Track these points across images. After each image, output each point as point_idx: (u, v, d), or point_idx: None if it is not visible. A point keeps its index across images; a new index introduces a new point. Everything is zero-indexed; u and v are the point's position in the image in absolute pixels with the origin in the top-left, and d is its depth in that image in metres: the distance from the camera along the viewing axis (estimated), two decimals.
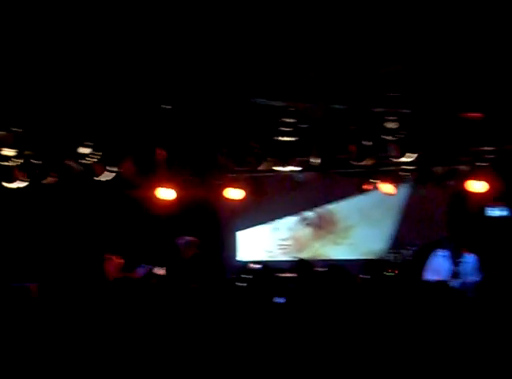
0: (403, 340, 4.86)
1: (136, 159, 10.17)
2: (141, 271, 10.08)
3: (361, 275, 8.15)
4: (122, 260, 10.26)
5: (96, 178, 10.18)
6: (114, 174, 10.15)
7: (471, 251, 9.51)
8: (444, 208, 11.79)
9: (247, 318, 5.54)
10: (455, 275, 9.31)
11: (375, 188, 10.81)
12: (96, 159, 9.75)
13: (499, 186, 10.23)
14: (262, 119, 9.53)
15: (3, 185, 10.08)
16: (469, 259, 9.43)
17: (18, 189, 10.12)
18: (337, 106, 8.71)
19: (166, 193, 11.00)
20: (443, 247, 9.64)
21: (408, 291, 7.00)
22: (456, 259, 9.37)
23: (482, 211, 11.21)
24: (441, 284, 6.25)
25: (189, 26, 6.57)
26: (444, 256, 9.51)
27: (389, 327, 5.13)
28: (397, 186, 10.47)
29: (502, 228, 10.94)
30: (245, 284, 7.25)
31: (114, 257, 10.24)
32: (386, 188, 10.36)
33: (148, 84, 8.01)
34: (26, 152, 9.83)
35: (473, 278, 9.26)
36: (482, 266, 9.44)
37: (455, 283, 9.04)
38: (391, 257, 11.86)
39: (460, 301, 5.69)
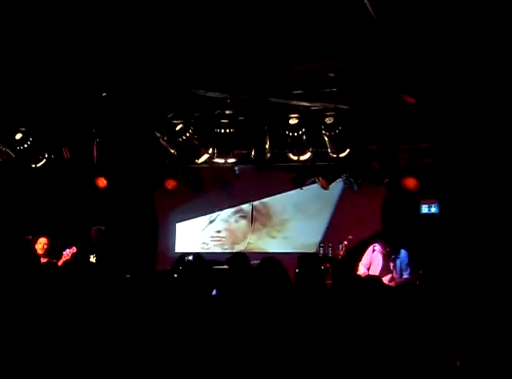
0: (336, 333, 4.89)
1: (70, 146, 10.04)
2: (67, 252, 9.91)
3: (296, 270, 8.20)
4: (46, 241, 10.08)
5: (32, 165, 10.03)
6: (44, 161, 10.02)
7: (403, 247, 9.66)
8: (378, 204, 11.93)
9: (180, 310, 5.50)
10: (387, 270, 9.44)
11: (312, 182, 10.89)
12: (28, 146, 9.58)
13: (432, 183, 10.42)
14: (201, 110, 9.51)
15: None
16: (402, 255, 9.56)
17: None
18: (276, 100, 8.74)
19: (101, 182, 10.88)
20: (378, 242, 9.76)
21: (341, 286, 7.07)
22: (391, 254, 9.48)
23: (416, 207, 11.38)
24: (373, 279, 6.30)
25: (129, 12, 6.51)
26: (378, 251, 9.62)
27: (321, 320, 5.16)
28: (332, 182, 10.57)
29: (434, 225, 11.13)
30: (179, 276, 7.19)
31: (39, 237, 10.04)
32: (323, 183, 10.44)
33: (85, 71, 7.89)
34: None
35: (405, 274, 9.42)
36: (413, 262, 9.60)
37: (384, 278, 9.16)
38: (324, 251, 11.94)
39: (391, 296, 5.75)
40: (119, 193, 11.83)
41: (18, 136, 9.54)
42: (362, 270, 9.59)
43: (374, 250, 9.67)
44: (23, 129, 9.58)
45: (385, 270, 9.44)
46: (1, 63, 7.72)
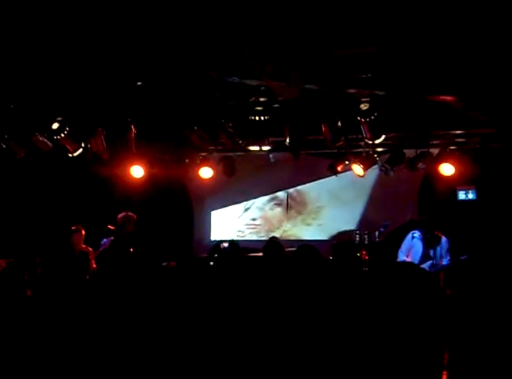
0: (373, 320, 4.87)
1: (106, 135, 10.10)
2: (105, 241, 10.02)
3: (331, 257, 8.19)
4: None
5: (68, 155, 10.11)
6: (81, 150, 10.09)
7: (442, 234, 9.56)
8: (414, 191, 11.85)
9: (216, 297, 5.52)
10: (427, 257, 9.36)
11: (347, 169, 10.84)
12: (65, 135, 9.65)
13: (469, 169, 10.30)
14: (235, 98, 9.49)
15: None
16: (443, 241, 9.46)
17: None
18: (310, 87, 8.68)
19: (136, 171, 10.93)
20: (417, 229, 9.66)
21: (378, 273, 7.03)
22: (431, 241, 9.39)
23: (452, 194, 11.29)
24: (411, 265, 6.27)
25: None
26: (418, 238, 9.54)
27: (361, 307, 5.14)
28: (368, 168, 10.50)
29: (471, 211, 11.04)
30: (215, 263, 7.23)
31: (81, 228, 10.16)
32: (358, 169, 10.38)
33: (120, 60, 7.91)
34: None
35: (445, 260, 9.33)
36: (451, 249, 9.51)
37: (425, 265, 9.10)
38: (360, 238, 11.92)
39: (429, 283, 5.71)
40: (155, 181, 11.88)
41: (55, 125, 9.61)
42: (401, 257, 9.50)
43: (413, 237, 9.57)
44: (59, 118, 9.65)
45: (425, 257, 9.36)
46: (36, 53, 7.77)
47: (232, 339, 4.96)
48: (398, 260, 9.42)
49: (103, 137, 10.09)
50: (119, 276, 5.89)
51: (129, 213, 10.11)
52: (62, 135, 9.65)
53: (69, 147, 9.98)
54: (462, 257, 8.86)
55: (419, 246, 9.46)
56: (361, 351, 4.63)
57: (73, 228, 10.13)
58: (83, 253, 9.96)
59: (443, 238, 9.47)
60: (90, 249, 10.02)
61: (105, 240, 10.07)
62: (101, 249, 9.69)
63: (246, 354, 4.85)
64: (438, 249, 9.39)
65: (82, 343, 4.99)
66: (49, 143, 9.91)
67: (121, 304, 5.30)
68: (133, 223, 10.05)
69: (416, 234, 9.56)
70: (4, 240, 10.88)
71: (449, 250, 9.39)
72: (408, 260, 9.34)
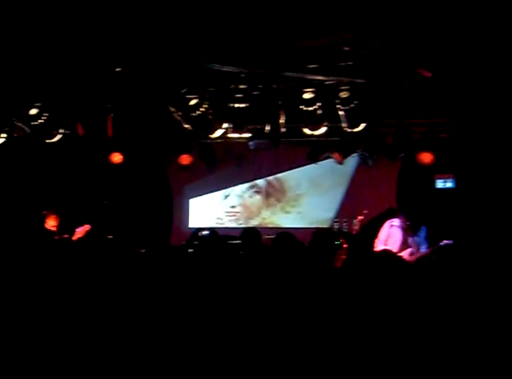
0: (350, 310, 4.88)
1: (86, 121, 10.05)
2: (80, 229, 9.94)
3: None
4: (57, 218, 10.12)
5: (46, 141, 10.05)
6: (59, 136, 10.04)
7: (421, 222, 9.57)
8: (393, 179, 11.89)
9: (194, 285, 5.51)
10: (406, 245, 9.37)
11: (326, 157, 10.85)
12: (44, 121, 9.59)
13: (448, 158, 10.37)
14: (215, 85, 9.47)
15: None
16: (421, 230, 9.47)
17: None
18: (291, 74, 8.68)
19: (115, 158, 10.89)
20: (398, 217, 9.65)
21: (357, 260, 7.05)
22: (411, 229, 9.38)
23: (431, 182, 11.34)
24: (389, 253, 6.28)
25: None
26: (398, 226, 9.52)
27: (336, 295, 5.15)
28: (347, 156, 10.53)
29: (450, 200, 11.10)
30: (194, 250, 7.22)
31: (52, 213, 10.07)
32: (338, 157, 10.40)
33: (99, 45, 7.87)
34: None
35: (423, 248, 9.34)
36: (428, 237, 9.54)
37: (403, 253, 9.14)
38: (339, 226, 11.96)
39: (407, 271, 5.73)
40: (134, 168, 11.84)
41: (33, 111, 9.55)
42: (379, 246, 9.49)
43: (391, 226, 9.55)
44: (38, 104, 9.58)
45: (404, 245, 9.37)
46: (15, 39, 7.71)
47: (212, 328, 4.95)
48: (376, 248, 9.44)
49: (81, 124, 10.04)
50: (96, 263, 5.86)
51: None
52: (41, 121, 9.59)
53: (46, 133, 9.91)
54: (442, 243, 8.92)
55: (398, 235, 9.45)
56: (339, 341, 4.65)
57: (43, 213, 10.06)
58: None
59: (423, 227, 9.48)
60: (65, 236, 9.94)
61: (80, 228, 10.00)
62: (76, 236, 9.63)
63: (222, 343, 4.85)
64: (417, 237, 9.39)
65: (56, 333, 4.96)
66: (26, 128, 9.84)
67: (98, 291, 5.27)
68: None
69: (395, 222, 9.55)
70: None
71: (427, 238, 9.42)
72: (387, 248, 9.36)
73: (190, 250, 7.86)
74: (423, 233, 9.42)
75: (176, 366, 4.66)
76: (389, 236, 9.51)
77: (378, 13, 6.87)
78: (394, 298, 4.98)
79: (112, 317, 5.01)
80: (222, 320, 4.96)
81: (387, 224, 9.62)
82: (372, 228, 10.24)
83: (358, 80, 8.82)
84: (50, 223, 9.95)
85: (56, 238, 9.73)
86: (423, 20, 7.05)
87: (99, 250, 5.93)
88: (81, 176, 12.24)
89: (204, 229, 10.78)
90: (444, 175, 11.23)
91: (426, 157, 10.11)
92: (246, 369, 4.64)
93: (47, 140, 10.00)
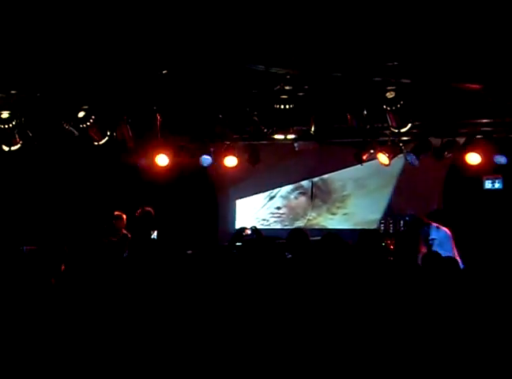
0: (399, 309, 4.86)
1: (132, 123, 10.14)
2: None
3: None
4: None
5: (94, 143, 10.16)
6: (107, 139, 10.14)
7: (444, 225, 9.45)
8: (440, 180, 11.77)
9: (241, 285, 5.53)
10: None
11: (372, 158, 10.78)
12: (91, 123, 9.70)
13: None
14: (260, 86, 9.47)
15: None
16: (441, 233, 9.36)
17: (13, 151, 10.10)
18: (336, 75, 8.64)
19: (161, 160, 10.96)
20: (433, 219, 9.56)
21: (404, 261, 7.01)
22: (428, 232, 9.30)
23: (479, 183, 11.20)
24: (437, 255, 6.24)
25: None
26: (445, 228, 9.42)
27: (386, 296, 5.13)
28: (393, 157, 10.44)
29: (498, 201, 10.95)
30: (240, 251, 7.23)
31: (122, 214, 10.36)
32: (383, 158, 10.31)
33: (145, 48, 7.94)
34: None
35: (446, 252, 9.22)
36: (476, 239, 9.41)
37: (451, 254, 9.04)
38: (385, 227, 11.89)
39: (456, 272, 5.68)
40: (180, 170, 11.91)
41: (81, 114, 9.67)
42: (425, 247, 9.40)
43: (438, 227, 9.47)
44: (85, 107, 9.70)
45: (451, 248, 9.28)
46: (63, 43, 7.81)
47: (256, 327, 4.97)
48: (422, 250, 9.34)
49: (128, 126, 10.13)
50: (145, 264, 5.93)
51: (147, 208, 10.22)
52: (88, 123, 9.71)
53: (94, 135, 10.03)
54: None
55: (444, 237, 9.37)
56: (387, 340, 4.63)
57: (115, 213, 10.30)
58: (124, 236, 10.12)
59: (443, 230, 9.38)
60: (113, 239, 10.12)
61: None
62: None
63: (269, 342, 4.86)
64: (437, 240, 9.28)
65: (104, 331, 5.02)
66: (75, 131, 9.97)
67: (147, 291, 5.33)
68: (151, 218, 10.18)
69: (442, 224, 9.47)
70: (32, 229, 11.00)
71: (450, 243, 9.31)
72: (433, 250, 9.26)
73: (234, 251, 7.89)
74: (443, 237, 9.30)
75: (230, 365, 4.69)
76: (436, 238, 9.42)
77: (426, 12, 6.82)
78: (441, 298, 4.94)
79: (166, 315, 5.07)
80: (272, 320, 4.98)
81: (434, 225, 9.54)
82: (415, 229, 10.14)
83: (404, 80, 8.74)
84: (121, 224, 10.19)
85: (105, 240, 9.88)
86: (478, 20, 6.97)
87: (148, 252, 6.01)
88: (126, 178, 12.38)
89: (247, 228, 10.80)
90: (492, 176, 11.08)
91: (473, 157, 9.96)
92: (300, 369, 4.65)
93: (95, 143, 10.10)
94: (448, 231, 9.40)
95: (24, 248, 8.55)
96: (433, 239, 9.29)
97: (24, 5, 6.73)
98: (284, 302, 5.24)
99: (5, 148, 10.02)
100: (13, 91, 9.35)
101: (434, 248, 9.04)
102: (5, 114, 9.62)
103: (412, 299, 5.13)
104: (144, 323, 5.05)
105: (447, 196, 11.61)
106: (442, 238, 9.37)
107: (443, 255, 6.59)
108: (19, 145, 10.04)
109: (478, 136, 9.95)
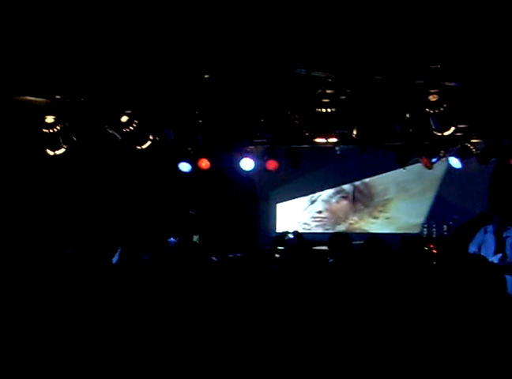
0: (442, 314, 4.80)
1: (173, 128, 10.21)
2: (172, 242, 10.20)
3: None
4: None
5: (137, 147, 10.25)
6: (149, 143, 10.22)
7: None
8: (484, 184, 11.63)
9: (285, 289, 5.53)
10: (500, 250, 9.14)
11: (415, 162, 10.70)
12: (133, 128, 9.79)
13: None
14: (302, 90, 9.46)
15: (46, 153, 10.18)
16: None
17: (58, 156, 10.23)
18: (378, 78, 8.59)
19: (203, 164, 11.02)
20: (490, 222, 9.42)
21: (448, 266, 6.92)
22: (501, 234, 9.16)
23: None
24: (480, 258, 6.14)
25: None
26: (492, 232, 9.31)
27: (429, 301, 5.08)
28: (434, 161, 10.35)
29: None
30: (282, 255, 7.24)
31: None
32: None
33: (187, 52, 7.97)
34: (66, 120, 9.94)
35: None
36: None
37: (494, 258, 8.92)
38: (428, 231, 11.78)
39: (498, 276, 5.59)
40: (221, 174, 11.95)
41: (124, 118, 9.76)
42: (472, 251, 9.29)
43: (486, 231, 9.35)
44: (128, 111, 9.79)
45: (497, 250, 9.14)
46: (106, 48, 7.89)
47: (298, 329, 4.96)
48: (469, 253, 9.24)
49: (171, 130, 10.21)
50: (185, 268, 5.96)
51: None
52: (131, 128, 9.80)
53: (137, 140, 10.12)
54: None
55: (491, 240, 9.24)
56: (428, 345, 4.57)
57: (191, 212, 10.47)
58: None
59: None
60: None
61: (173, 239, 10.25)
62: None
63: (311, 341, 4.85)
64: (509, 241, 9.14)
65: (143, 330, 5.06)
66: (118, 136, 10.07)
67: (186, 295, 5.35)
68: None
69: (489, 228, 9.33)
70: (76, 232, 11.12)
71: None
72: (480, 253, 9.15)
73: (276, 255, 7.89)
74: None
75: (262, 368, 4.68)
76: (483, 242, 9.30)
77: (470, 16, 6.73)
78: (484, 304, 4.87)
79: (199, 320, 5.08)
80: (315, 325, 4.96)
81: (482, 230, 9.42)
82: (463, 233, 10.03)
83: (448, 83, 8.66)
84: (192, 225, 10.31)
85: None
86: None
87: (189, 256, 6.03)
88: (169, 182, 12.45)
89: (289, 233, 10.80)
90: None
91: None
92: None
93: (138, 147, 10.19)
94: None
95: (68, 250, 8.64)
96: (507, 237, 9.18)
97: (71, 12, 6.80)
98: (326, 307, 5.22)
99: (50, 153, 10.12)
100: (57, 96, 9.46)
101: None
102: (50, 119, 9.74)
103: (455, 306, 5.07)
104: (186, 323, 5.07)
105: (493, 200, 11.46)
106: None
107: None
108: (63, 150, 10.15)
109: None
